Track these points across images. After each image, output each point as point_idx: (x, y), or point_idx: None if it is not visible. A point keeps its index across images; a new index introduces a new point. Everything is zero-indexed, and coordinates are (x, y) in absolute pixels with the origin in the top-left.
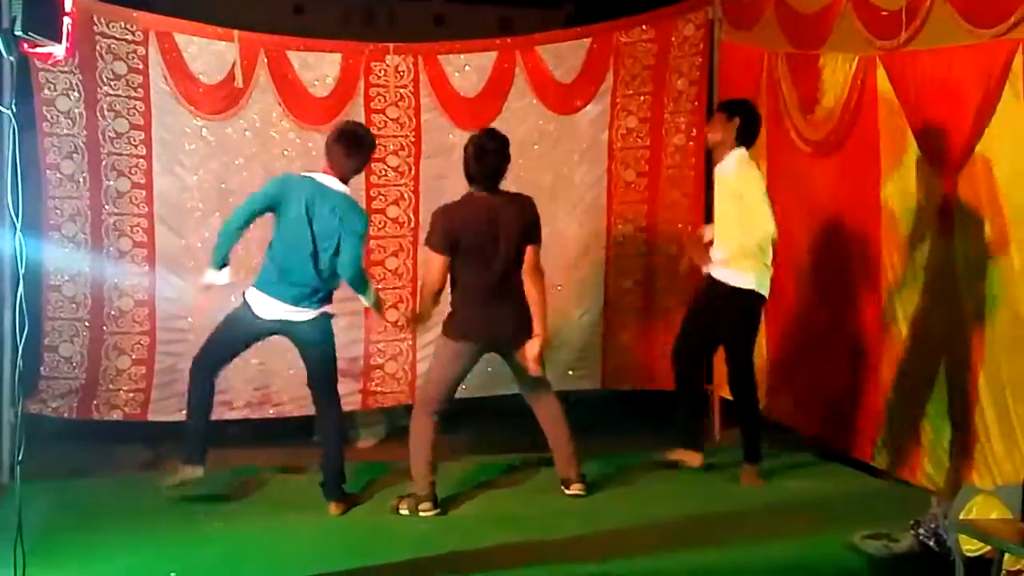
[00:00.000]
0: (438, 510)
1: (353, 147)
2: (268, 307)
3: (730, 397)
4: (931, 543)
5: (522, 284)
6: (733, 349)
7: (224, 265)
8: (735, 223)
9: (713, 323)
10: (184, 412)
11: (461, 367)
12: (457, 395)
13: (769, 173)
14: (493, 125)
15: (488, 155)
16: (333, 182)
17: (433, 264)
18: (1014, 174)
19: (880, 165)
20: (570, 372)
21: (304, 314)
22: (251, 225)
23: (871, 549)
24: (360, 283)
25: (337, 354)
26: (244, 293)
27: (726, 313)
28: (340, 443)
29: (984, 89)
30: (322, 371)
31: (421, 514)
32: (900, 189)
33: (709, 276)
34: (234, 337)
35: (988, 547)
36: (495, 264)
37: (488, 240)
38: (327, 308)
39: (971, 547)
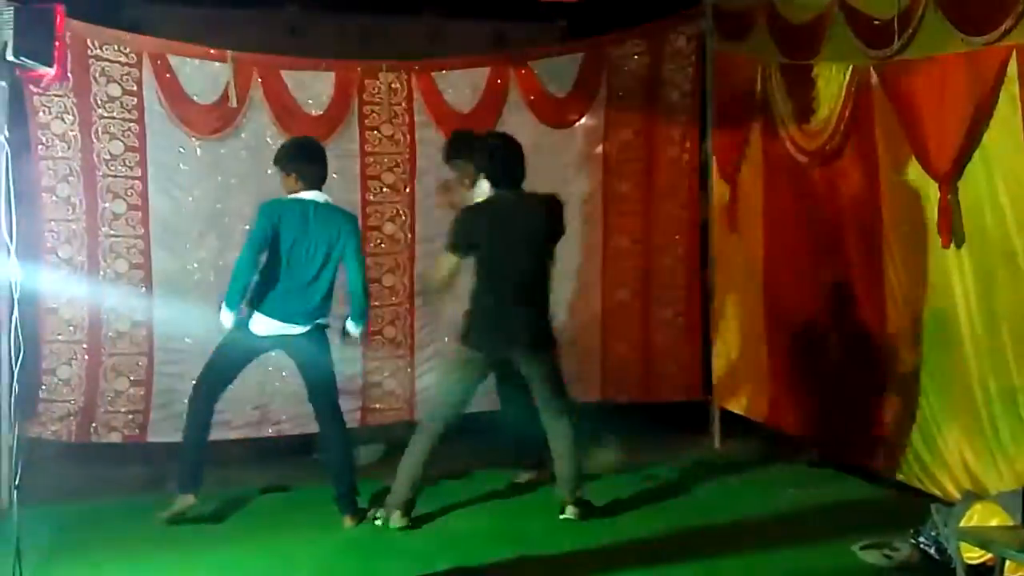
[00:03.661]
0: (408, 521)
1: (312, 155)
2: (263, 325)
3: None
4: (931, 551)
5: (546, 292)
6: None
7: (240, 303)
8: None
9: None
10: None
11: (474, 379)
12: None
13: (766, 183)
14: None
15: (515, 156)
16: (317, 195)
17: (442, 262)
18: (1016, 180)
19: (879, 174)
20: (569, 384)
21: (299, 328)
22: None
23: (871, 558)
24: (365, 295)
25: (335, 371)
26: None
27: None
28: (349, 456)
29: (979, 96)
30: (322, 385)
31: (392, 525)
32: (900, 197)
33: None
34: (232, 358)
35: (989, 554)
36: (517, 269)
37: (511, 243)
38: (321, 320)
39: (972, 555)
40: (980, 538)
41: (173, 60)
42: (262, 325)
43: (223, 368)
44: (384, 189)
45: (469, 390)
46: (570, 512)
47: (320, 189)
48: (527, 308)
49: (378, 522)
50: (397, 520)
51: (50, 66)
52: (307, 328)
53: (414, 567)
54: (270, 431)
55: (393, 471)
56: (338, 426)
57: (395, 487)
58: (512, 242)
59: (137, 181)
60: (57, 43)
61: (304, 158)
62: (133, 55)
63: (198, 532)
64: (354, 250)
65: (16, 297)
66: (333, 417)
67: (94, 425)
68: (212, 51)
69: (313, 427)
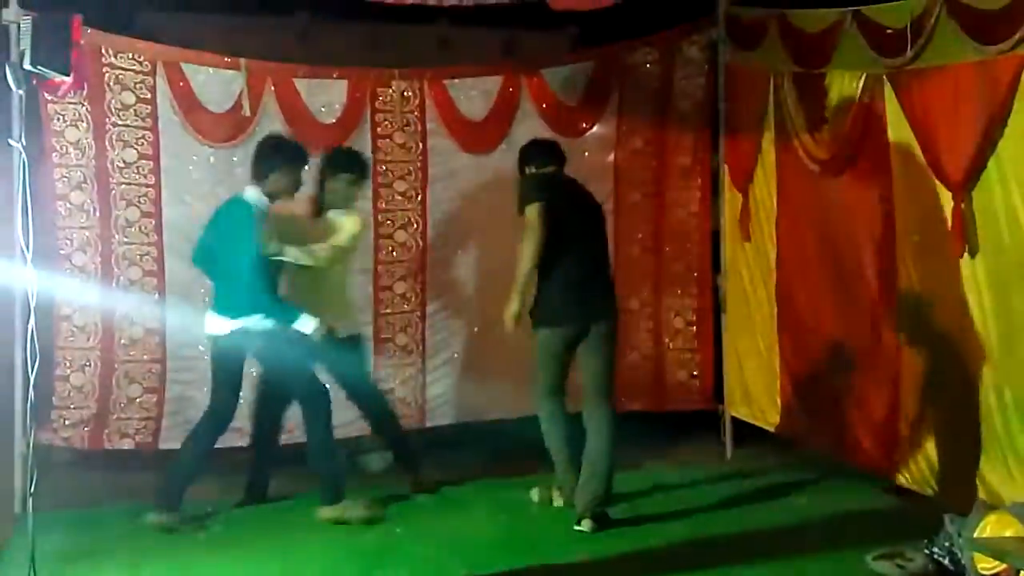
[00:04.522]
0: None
1: (257, 151)
2: (209, 323)
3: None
4: (945, 562)
5: (608, 263)
6: None
7: None
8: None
9: None
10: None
11: (563, 350)
12: (464, 419)
13: (778, 192)
14: (500, 148)
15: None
16: (250, 193)
17: (535, 217)
18: None
19: (892, 183)
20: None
21: (228, 323)
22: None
23: (884, 569)
24: (252, 289)
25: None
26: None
27: None
28: (327, 444)
29: (993, 105)
30: (273, 381)
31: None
32: (913, 206)
33: None
34: (223, 375)
35: (1003, 565)
36: (585, 240)
37: (576, 213)
38: (257, 315)
39: (986, 565)
40: (994, 549)
41: (187, 68)
42: (209, 323)
43: (224, 386)
44: (396, 197)
45: (564, 361)
46: (585, 525)
47: (258, 186)
48: (597, 279)
49: (558, 503)
50: (557, 499)
51: (66, 75)
52: (232, 326)
53: (423, 575)
54: (283, 437)
55: (402, 477)
56: (314, 425)
57: (557, 472)
58: (577, 212)
59: (151, 188)
60: (74, 52)
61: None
62: (147, 63)
63: (209, 538)
64: (247, 241)
65: (33, 304)
66: (306, 415)
67: (107, 432)
68: (226, 59)
69: None
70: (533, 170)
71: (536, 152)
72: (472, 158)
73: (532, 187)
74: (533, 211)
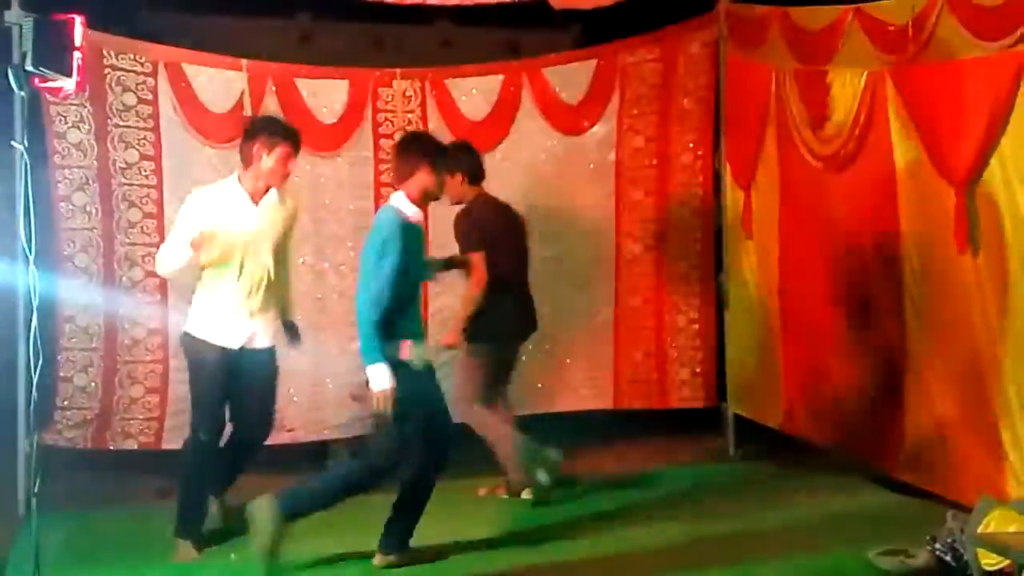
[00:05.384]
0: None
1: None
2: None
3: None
4: (948, 558)
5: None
6: None
7: None
8: None
9: None
10: None
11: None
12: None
13: (780, 189)
14: (501, 147)
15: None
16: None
17: (480, 265)
18: None
19: (895, 179)
20: (582, 391)
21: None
22: None
23: (887, 565)
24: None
25: (347, 379)
26: None
27: None
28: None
29: (995, 101)
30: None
31: (523, 496)
32: (916, 203)
33: None
34: None
35: (1006, 561)
36: (521, 263)
37: (515, 238)
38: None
39: (989, 561)
40: (998, 544)
41: (188, 69)
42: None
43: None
44: None
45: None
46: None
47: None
48: (528, 298)
49: (503, 495)
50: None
51: (68, 77)
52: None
53: (423, 574)
54: (286, 438)
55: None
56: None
57: (505, 461)
58: (515, 238)
59: (152, 189)
60: (76, 54)
61: None
62: (148, 64)
63: (215, 540)
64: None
65: (35, 305)
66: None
67: (109, 432)
68: (227, 60)
69: (326, 433)
70: (458, 179)
71: (468, 160)
72: None
73: (476, 227)
74: (479, 260)
